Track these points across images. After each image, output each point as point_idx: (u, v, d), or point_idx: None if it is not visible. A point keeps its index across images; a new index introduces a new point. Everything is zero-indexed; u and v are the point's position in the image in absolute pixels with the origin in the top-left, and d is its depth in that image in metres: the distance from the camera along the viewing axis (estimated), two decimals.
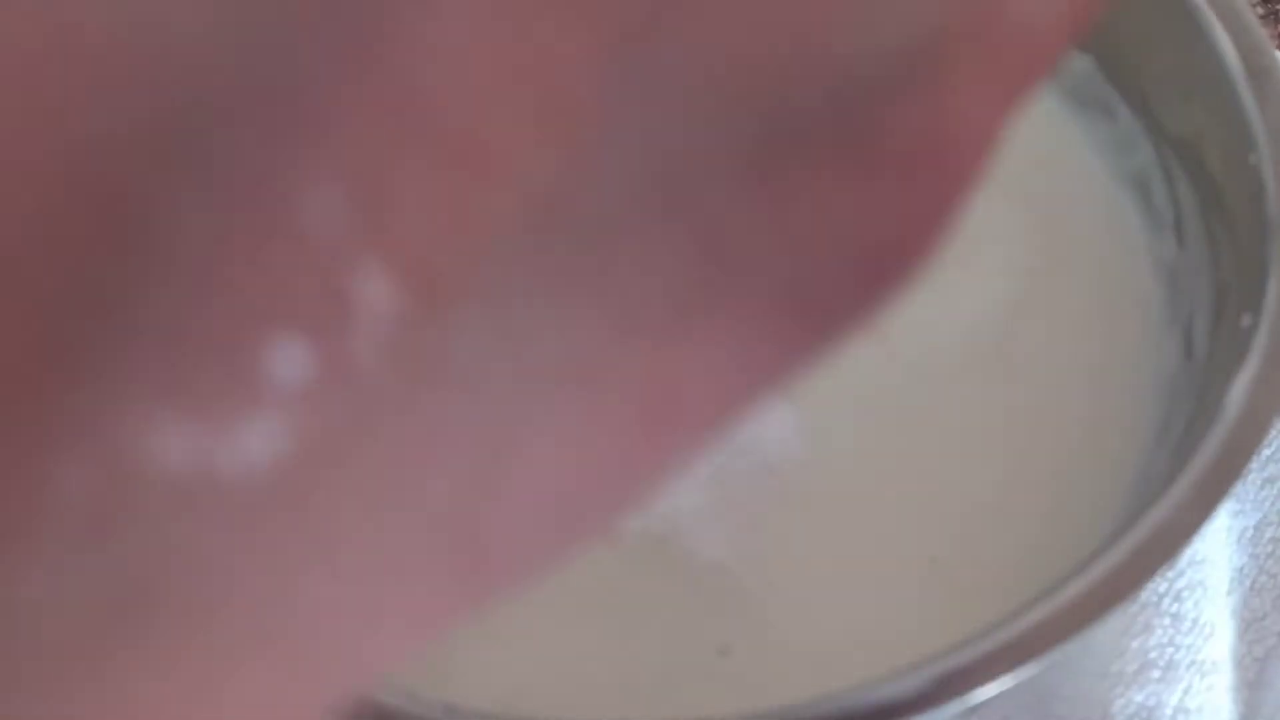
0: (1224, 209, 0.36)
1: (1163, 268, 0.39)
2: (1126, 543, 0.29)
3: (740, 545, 0.36)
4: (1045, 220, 0.41)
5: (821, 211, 0.11)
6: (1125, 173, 0.41)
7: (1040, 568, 0.33)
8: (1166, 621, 0.41)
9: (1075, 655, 0.41)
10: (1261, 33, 0.36)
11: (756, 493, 0.36)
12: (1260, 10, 0.55)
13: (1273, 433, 0.45)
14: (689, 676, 0.34)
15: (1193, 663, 0.41)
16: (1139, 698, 0.41)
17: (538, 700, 0.34)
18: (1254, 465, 0.46)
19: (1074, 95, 0.43)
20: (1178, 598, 0.42)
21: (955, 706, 0.28)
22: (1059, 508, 0.37)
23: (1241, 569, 0.44)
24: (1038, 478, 0.37)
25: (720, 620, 0.35)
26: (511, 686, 0.34)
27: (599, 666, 0.35)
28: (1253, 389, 0.31)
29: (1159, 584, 0.42)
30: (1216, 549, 0.43)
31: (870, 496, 0.36)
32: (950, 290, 0.38)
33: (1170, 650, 0.41)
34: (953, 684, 0.28)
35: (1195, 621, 0.42)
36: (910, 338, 0.37)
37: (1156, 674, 0.41)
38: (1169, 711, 0.40)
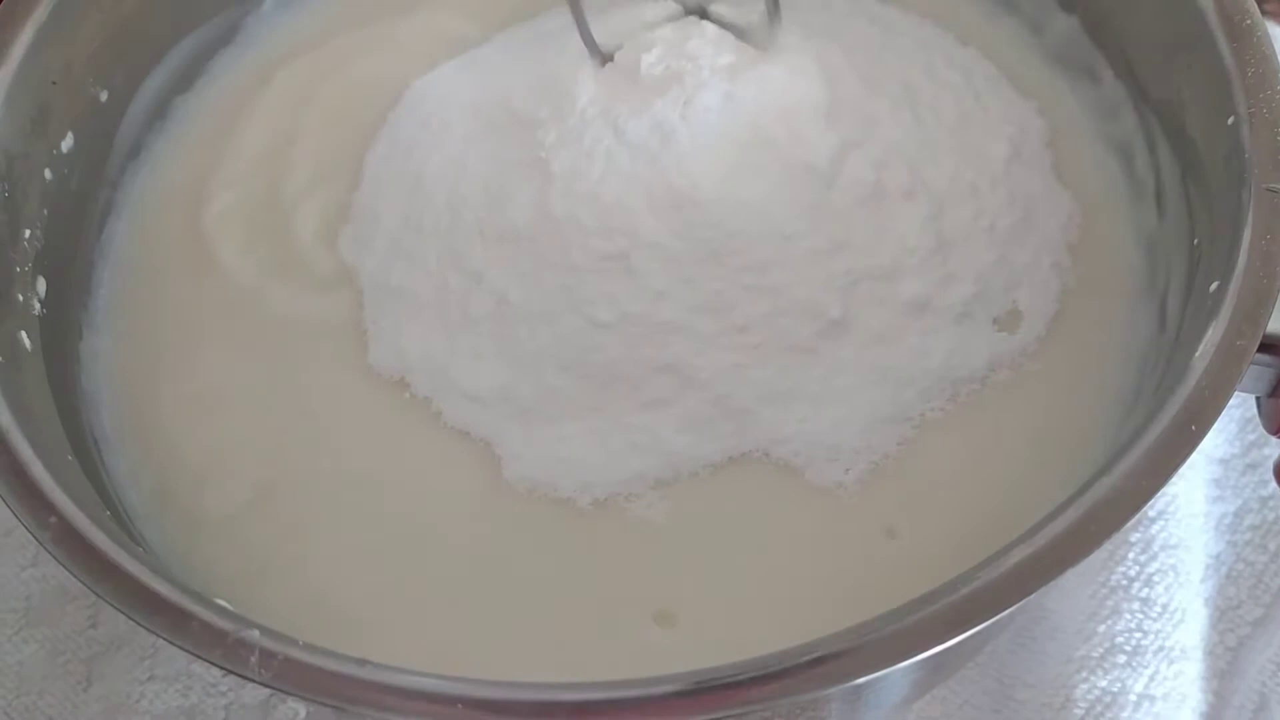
0: (1202, 173, 0.34)
1: (1143, 238, 0.38)
2: (1071, 512, 0.28)
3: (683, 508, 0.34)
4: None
5: None
6: (1110, 139, 0.40)
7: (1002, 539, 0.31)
8: (1136, 606, 0.40)
9: (1039, 638, 0.40)
10: None
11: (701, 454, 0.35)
12: None
13: (1250, 415, 0.43)
14: (625, 640, 0.33)
15: (1161, 649, 0.39)
16: (1102, 683, 0.39)
17: (472, 660, 0.33)
18: (1237, 450, 0.44)
19: (1060, 59, 0.41)
20: (1148, 582, 0.40)
21: (880, 670, 0.26)
22: (1026, 479, 0.35)
23: (1218, 555, 0.42)
24: (1007, 449, 0.36)
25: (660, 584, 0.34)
26: (443, 646, 0.33)
27: (530, 628, 0.34)
28: (1215, 355, 0.29)
29: (1129, 568, 0.40)
30: (1192, 534, 0.41)
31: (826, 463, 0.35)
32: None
33: (1138, 635, 0.39)
34: (876, 651, 0.27)
35: (1166, 607, 0.40)
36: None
37: (1122, 659, 0.39)
38: (1133, 698, 0.39)
